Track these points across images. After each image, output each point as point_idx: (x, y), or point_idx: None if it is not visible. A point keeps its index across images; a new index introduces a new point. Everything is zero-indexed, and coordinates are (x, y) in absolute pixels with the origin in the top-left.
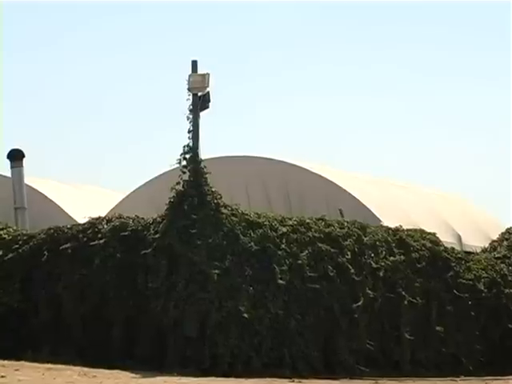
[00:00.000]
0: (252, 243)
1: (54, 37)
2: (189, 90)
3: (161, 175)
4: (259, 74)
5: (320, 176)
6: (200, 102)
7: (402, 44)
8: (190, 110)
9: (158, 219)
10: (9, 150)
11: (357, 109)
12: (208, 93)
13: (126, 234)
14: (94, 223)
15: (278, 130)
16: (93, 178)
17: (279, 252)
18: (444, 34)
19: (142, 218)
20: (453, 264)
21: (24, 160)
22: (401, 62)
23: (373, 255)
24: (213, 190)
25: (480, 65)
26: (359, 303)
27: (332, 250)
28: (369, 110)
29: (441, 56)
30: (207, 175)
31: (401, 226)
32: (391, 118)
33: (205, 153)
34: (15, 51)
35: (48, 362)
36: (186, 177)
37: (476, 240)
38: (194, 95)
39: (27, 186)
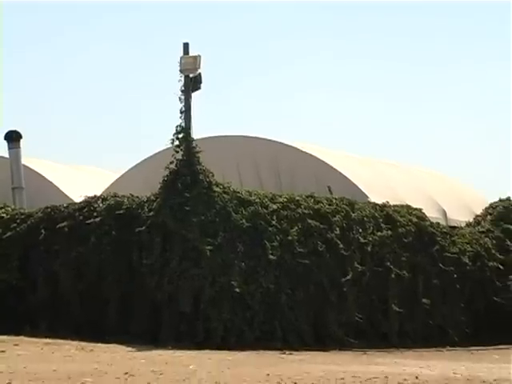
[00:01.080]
0: (243, 220)
1: (52, 22)
2: (181, 71)
3: (154, 155)
4: (251, 58)
5: (310, 155)
6: (192, 83)
7: (389, 34)
8: (182, 91)
9: (152, 198)
10: (6, 131)
11: (352, 93)
12: (199, 74)
13: (121, 212)
14: (89, 202)
15: (270, 110)
16: (88, 158)
17: (270, 228)
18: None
19: (137, 197)
20: (438, 238)
21: (21, 141)
22: (391, 50)
23: (361, 231)
24: (205, 168)
25: (466, 49)
26: (348, 277)
27: (321, 226)
28: (364, 95)
29: (430, 41)
30: (199, 154)
31: (388, 202)
32: (384, 103)
33: (197, 133)
34: (17, 38)
35: (46, 338)
36: (178, 156)
37: (460, 215)
38: (186, 77)
39: (24, 166)
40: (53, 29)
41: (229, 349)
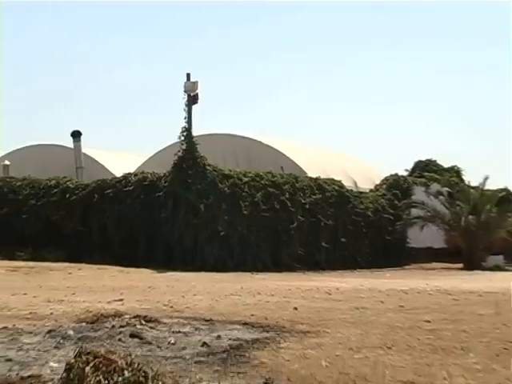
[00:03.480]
0: (226, 188)
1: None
2: (184, 91)
3: (168, 146)
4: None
5: (269, 146)
6: (192, 100)
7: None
8: (186, 105)
9: (167, 174)
10: (71, 130)
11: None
12: (197, 94)
13: (147, 183)
14: (126, 176)
15: (244, 114)
16: (124, 146)
17: (243, 193)
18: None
19: (157, 173)
20: (351, 199)
21: (81, 137)
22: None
23: (302, 195)
24: (201, 155)
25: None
26: (294, 225)
27: (276, 191)
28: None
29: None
30: (197, 146)
31: (319, 176)
32: (332, 103)
33: (196, 131)
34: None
35: (98, 264)
36: (183, 147)
37: (366, 184)
38: (188, 95)
39: (83, 153)
40: (97, 48)
41: (217, 271)
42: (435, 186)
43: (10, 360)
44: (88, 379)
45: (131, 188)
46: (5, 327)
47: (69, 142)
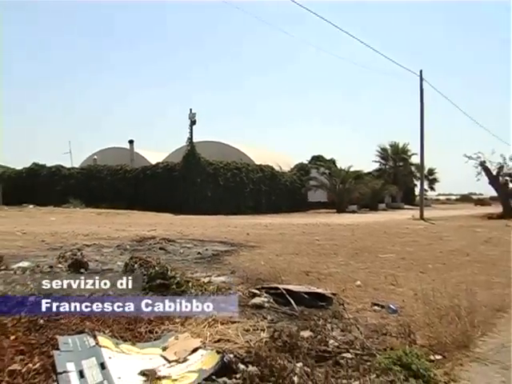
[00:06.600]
0: (211, 170)
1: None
2: (189, 118)
3: (180, 148)
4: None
5: (234, 147)
6: (192, 123)
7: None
8: (189, 125)
9: (179, 163)
10: (128, 139)
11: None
12: (195, 119)
13: (169, 168)
14: (157, 164)
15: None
16: (157, 147)
17: (220, 173)
18: None
19: (174, 162)
20: (278, 176)
21: (134, 143)
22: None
23: (252, 174)
24: (198, 152)
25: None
26: (247, 190)
27: (238, 172)
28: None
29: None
30: (196, 147)
31: (261, 164)
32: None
33: (194, 139)
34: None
35: (143, 211)
36: (188, 148)
37: (286, 168)
38: (190, 120)
39: (135, 152)
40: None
41: (207, 215)
42: (322, 169)
43: (96, 261)
44: (135, 271)
45: (160, 171)
46: (94, 243)
47: (127, 145)
